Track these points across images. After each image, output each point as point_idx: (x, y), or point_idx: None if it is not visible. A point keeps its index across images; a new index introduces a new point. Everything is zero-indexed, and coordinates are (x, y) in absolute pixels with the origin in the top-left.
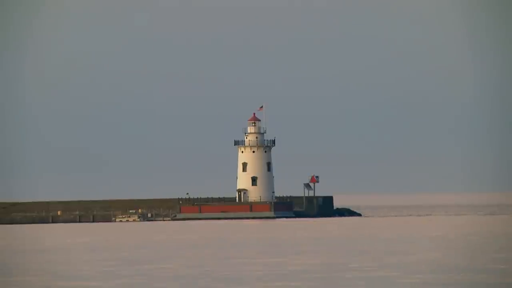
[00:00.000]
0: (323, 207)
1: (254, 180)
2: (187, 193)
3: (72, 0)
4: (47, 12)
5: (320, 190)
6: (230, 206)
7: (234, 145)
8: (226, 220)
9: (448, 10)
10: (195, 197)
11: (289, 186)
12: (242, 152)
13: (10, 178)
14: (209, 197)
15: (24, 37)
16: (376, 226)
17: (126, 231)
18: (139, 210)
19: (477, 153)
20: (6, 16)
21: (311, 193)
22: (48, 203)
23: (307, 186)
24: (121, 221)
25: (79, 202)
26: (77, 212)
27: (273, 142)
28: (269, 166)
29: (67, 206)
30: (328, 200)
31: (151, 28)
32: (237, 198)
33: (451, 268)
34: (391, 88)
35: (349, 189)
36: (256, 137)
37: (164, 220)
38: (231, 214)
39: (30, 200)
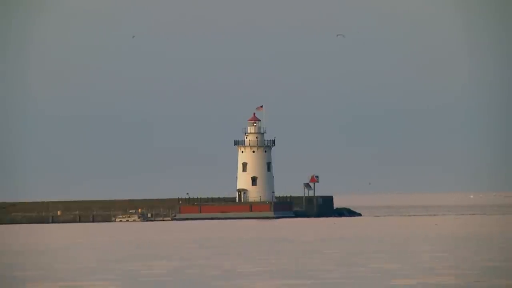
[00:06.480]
0: (323, 207)
1: (254, 180)
2: (187, 193)
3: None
4: (49, 11)
5: (320, 190)
6: (230, 206)
7: (234, 145)
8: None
9: (447, 9)
10: (195, 197)
11: (289, 186)
12: (242, 152)
13: (10, 178)
14: (209, 197)
15: (25, 37)
16: (365, 226)
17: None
18: (139, 210)
19: (477, 153)
20: (7, 16)
21: (311, 193)
22: (48, 203)
23: (307, 186)
24: (121, 221)
25: (79, 202)
26: (77, 212)
27: (273, 142)
28: (269, 166)
29: (67, 206)
30: (328, 200)
31: (151, 27)
32: (237, 198)
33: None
34: (391, 88)
35: (349, 189)
36: (256, 137)
37: (164, 220)
38: (231, 214)
39: (30, 200)
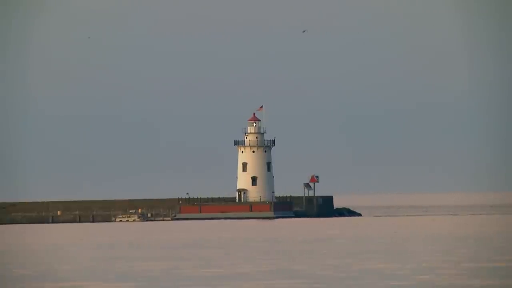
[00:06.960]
0: (323, 207)
1: (254, 180)
2: (187, 193)
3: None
4: (49, 11)
5: (320, 190)
6: (230, 206)
7: (234, 145)
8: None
9: (447, 9)
10: (195, 197)
11: (289, 186)
12: (242, 152)
13: (10, 178)
14: (209, 197)
15: (25, 37)
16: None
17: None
18: (139, 210)
19: (477, 153)
20: (7, 16)
21: (311, 193)
22: (48, 203)
23: (307, 186)
24: (121, 221)
25: (79, 202)
26: (77, 212)
27: (273, 142)
28: (269, 166)
29: (67, 206)
30: (328, 200)
31: (151, 27)
32: (237, 198)
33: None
34: (390, 88)
35: (349, 189)
36: (256, 137)
37: (164, 220)
38: (231, 214)
39: (30, 200)
